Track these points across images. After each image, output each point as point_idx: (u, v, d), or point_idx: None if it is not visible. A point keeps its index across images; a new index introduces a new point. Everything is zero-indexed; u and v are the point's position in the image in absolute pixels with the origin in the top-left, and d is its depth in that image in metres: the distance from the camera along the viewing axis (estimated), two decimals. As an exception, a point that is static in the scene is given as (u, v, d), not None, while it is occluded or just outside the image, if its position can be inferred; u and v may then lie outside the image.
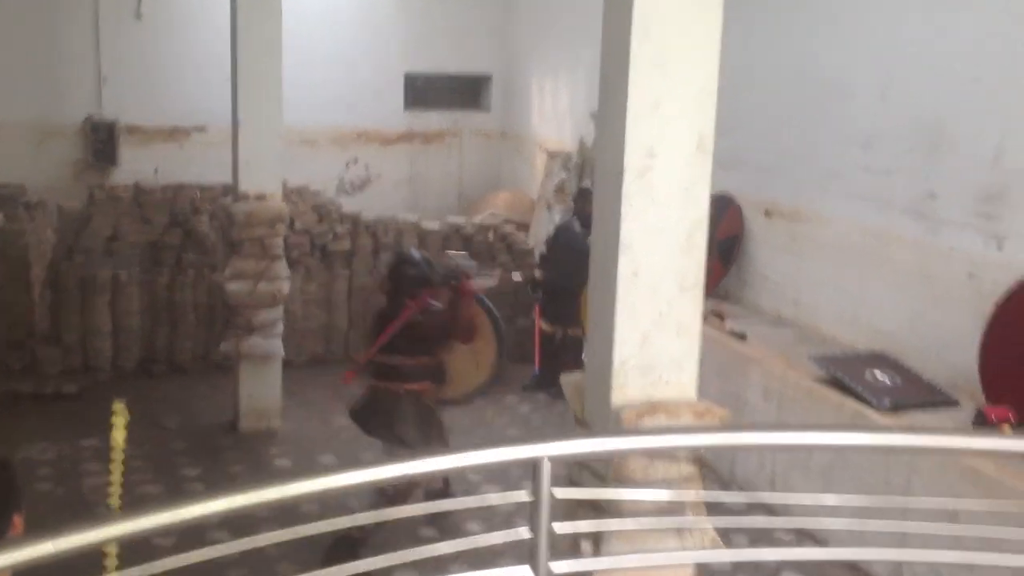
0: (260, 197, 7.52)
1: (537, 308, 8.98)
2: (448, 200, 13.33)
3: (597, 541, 3.35)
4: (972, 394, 5.77)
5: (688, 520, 3.36)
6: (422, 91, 13.37)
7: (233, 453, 7.41)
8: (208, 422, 8.01)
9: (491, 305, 8.71)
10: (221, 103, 12.19)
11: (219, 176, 10.24)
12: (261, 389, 7.73)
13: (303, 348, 9.42)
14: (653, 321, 3.45)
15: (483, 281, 8.31)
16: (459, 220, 10.19)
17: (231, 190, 8.94)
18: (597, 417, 3.53)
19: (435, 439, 6.03)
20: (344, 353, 9.65)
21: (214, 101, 12.22)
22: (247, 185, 7.53)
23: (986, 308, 5.60)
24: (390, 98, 13.08)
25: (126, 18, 12.06)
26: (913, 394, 5.76)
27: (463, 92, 13.69)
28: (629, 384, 3.46)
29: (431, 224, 10.01)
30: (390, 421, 6.01)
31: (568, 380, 3.78)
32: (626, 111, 3.33)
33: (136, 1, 12.05)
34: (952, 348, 5.98)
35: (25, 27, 11.55)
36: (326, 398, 8.64)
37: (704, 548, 3.39)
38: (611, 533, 3.32)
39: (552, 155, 11.24)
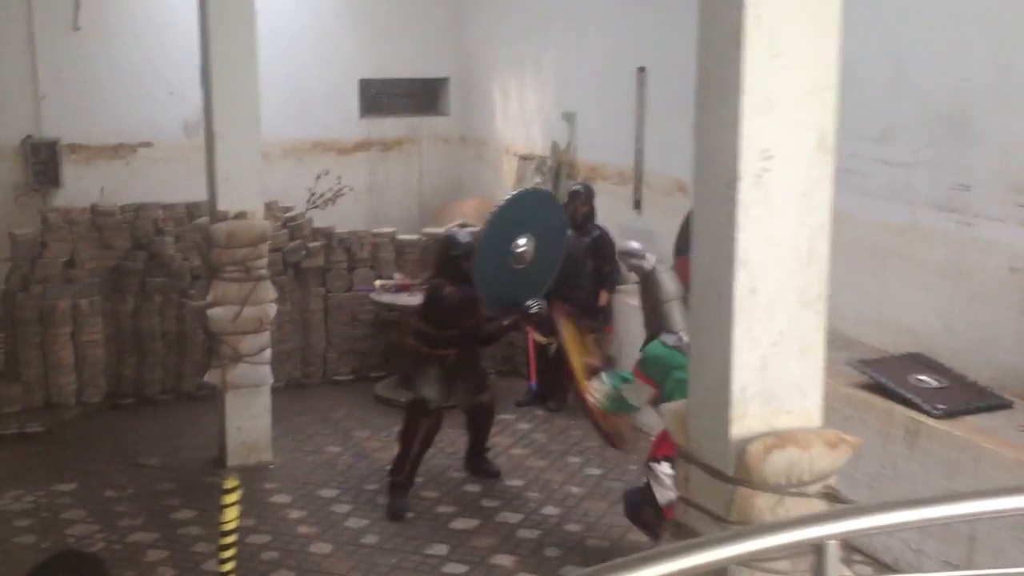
0: (241, 215, 7.03)
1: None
2: (409, 210, 12.85)
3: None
4: (1021, 394, 5.54)
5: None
6: (377, 97, 12.90)
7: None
8: (191, 458, 7.49)
9: None
10: (167, 117, 11.79)
11: (170, 194, 9.69)
12: (249, 421, 7.24)
13: (280, 372, 8.89)
14: (773, 342, 3.11)
15: None
16: (437, 230, 9.76)
17: (201, 209, 8.44)
18: (711, 452, 3.17)
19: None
20: (323, 376, 9.18)
21: (159, 115, 11.70)
22: (226, 203, 7.03)
23: (1032, 302, 5.37)
24: (345, 106, 12.57)
25: (63, 31, 11.35)
26: (964, 397, 5.50)
27: (419, 97, 13.24)
28: (749, 414, 3.11)
29: (408, 236, 9.58)
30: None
31: (669, 410, 3.42)
32: (739, 109, 2.97)
33: (73, 12, 11.38)
34: (995, 346, 5.74)
35: (-45, 44, 10.83)
36: (313, 424, 8.18)
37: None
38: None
39: (524, 159, 10.87)
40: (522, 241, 6.42)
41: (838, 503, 3.09)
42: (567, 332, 6.19)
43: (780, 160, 3.02)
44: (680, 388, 4.88)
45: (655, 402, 5.22)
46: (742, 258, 3.03)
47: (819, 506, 3.07)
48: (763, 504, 3.04)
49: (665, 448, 5.13)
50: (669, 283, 6.25)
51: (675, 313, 5.97)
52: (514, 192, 7.14)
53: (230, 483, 4.12)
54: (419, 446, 6.64)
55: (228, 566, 4.18)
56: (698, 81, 3.15)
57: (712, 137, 3.11)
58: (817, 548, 1.73)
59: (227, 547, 4.18)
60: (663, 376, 5.22)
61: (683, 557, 1.59)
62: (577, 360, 6.04)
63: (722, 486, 3.12)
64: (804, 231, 3.09)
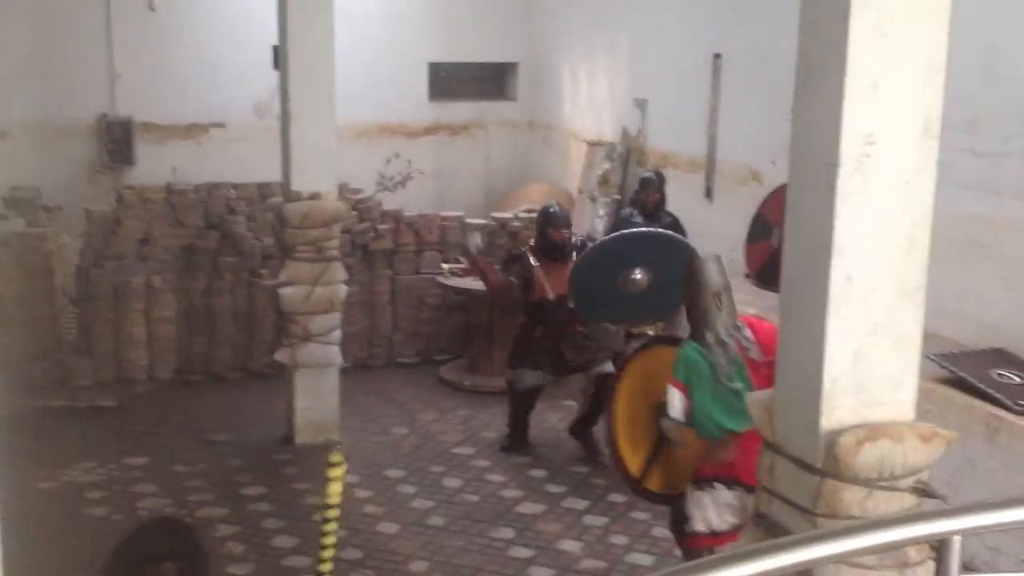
0: (314, 196, 7.05)
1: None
2: (476, 195, 12.84)
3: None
4: (1109, 393, 5.38)
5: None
6: (446, 81, 12.90)
7: (294, 469, 6.95)
8: (260, 435, 7.55)
9: None
10: (238, 98, 11.89)
11: (240, 174, 9.78)
12: (318, 400, 7.28)
13: (346, 353, 8.91)
14: (868, 333, 3.02)
15: None
16: (505, 215, 9.73)
17: (272, 189, 8.50)
18: (800, 444, 3.09)
19: None
20: (388, 358, 9.20)
21: (232, 96, 11.82)
22: (300, 184, 7.06)
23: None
24: (414, 89, 12.58)
25: (139, 10, 11.51)
26: (1048, 395, 5.35)
27: (487, 81, 13.23)
28: (840, 406, 3.02)
29: (476, 220, 9.56)
30: None
31: (755, 400, 3.35)
32: (842, 92, 2.87)
33: (149, -8, 11.51)
34: (1082, 344, 5.58)
35: (33, 23, 11.00)
36: (379, 406, 8.21)
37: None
38: (825, 573, 2.90)
39: (593, 145, 10.79)
40: (638, 272, 6.39)
41: (929, 498, 3.01)
42: (625, 390, 5.13)
43: (883, 145, 2.92)
44: (706, 401, 4.47)
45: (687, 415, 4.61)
46: (839, 246, 2.94)
47: (910, 501, 2.99)
48: (851, 498, 2.96)
49: (714, 466, 4.61)
50: (712, 275, 4.89)
51: (715, 308, 4.77)
52: (656, 232, 7.09)
53: (336, 458, 4.10)
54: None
55: (329, 540, 4.17)
56: (799, 63, 3.06)
57: (812, 121, 3.02)
58: (941, 543, 1.67)
59: (328, 521, 4.17)
60: (689, 381, 4.61)
61: (803, 549, 1.54)
62: (623, 427, 5.07)
63: (809, 478, 3.04)
64: (905, 220, 2.99)
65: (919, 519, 1.77)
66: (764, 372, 4.46)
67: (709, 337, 4.66)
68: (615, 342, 6.97)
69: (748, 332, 4.75)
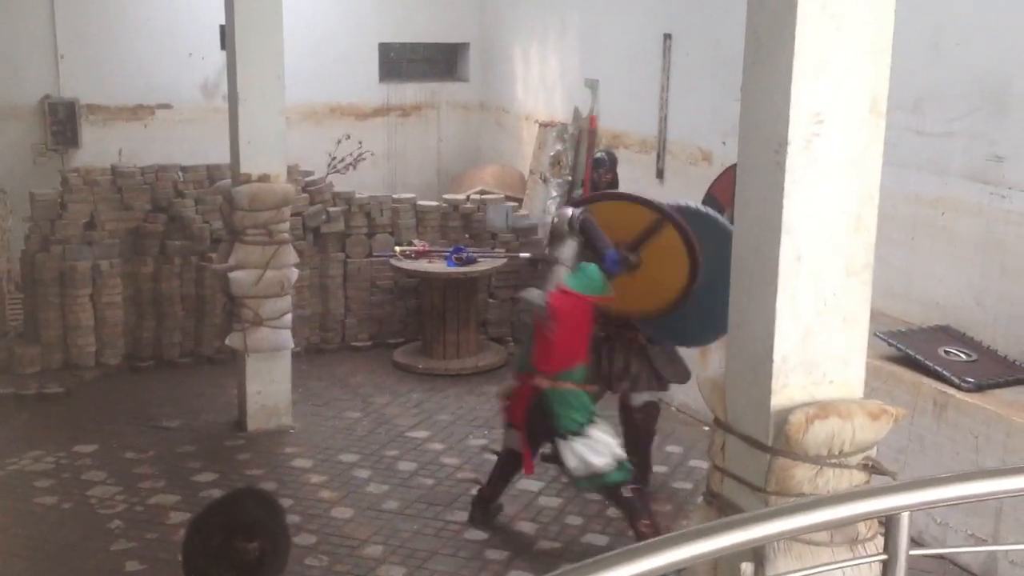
0: (264, 178, 6.97)
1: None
2: (428, 176, 12.77)
3: (759, 560, 2.95)
4: (1053, 368, 5.48)
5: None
6: (396, 62, 12.79)
7: (246, 455, 6.89)
8: (211, 421, 7.48)
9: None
10: (185, 78, 11.71)
11: (188, 156, 9.65)
12: (270, 385, 7.22)
13: (298, 337, 8.85)
14: (817, 311, 3.04)
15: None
16: (457, 197, 9.70)
17: (221, 171, 8.40)
18: (750, 423, 3.11)
19: None
20: (341, 342, 9.15)
21: (178, 76, 11.62)
22: (249, 166, 6.97)
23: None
24: (364, 70, 12.46)
25: (82, -10, 11.29)
26: (993, 371, 5.44)
27: (439, 62, 13.13)
28: (789, 384, 3.05)
29: (428, 202, 9.51)
30: None
31: (706, 379, 3.36)
32: (791, 71, 2.88)
33: (93, -29, 11.29)
34: (1026, 320, 5.67)
35: (-27, 2, 10.75)
36: (332, 390, 8.16)
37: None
38: (776, 549, 2.94)
39: (545, 126, 10.77)
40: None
41: (878, 475, 3.05)
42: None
43: (831, 124, 2.94)
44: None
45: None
46: (788, 225, 2.96)
47: (860, 477, 3.03)
48: (802, 475, 2.99)
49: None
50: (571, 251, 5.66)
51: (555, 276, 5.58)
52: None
53: None
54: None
55: None
56: (748, 43, 3.06)
57: (761, 101, 3.02)
58: (890, 519, 1.69)
59: None
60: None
61: (755, 527, 1.55)
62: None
63: (761, 456, 3.07)
64: (853, 198, 3.02)
65: (868, 496, 1.79)
66: None
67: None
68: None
69: None
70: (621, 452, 5.47)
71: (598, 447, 5.37)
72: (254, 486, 5.62)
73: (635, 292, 5.82)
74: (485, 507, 5.97)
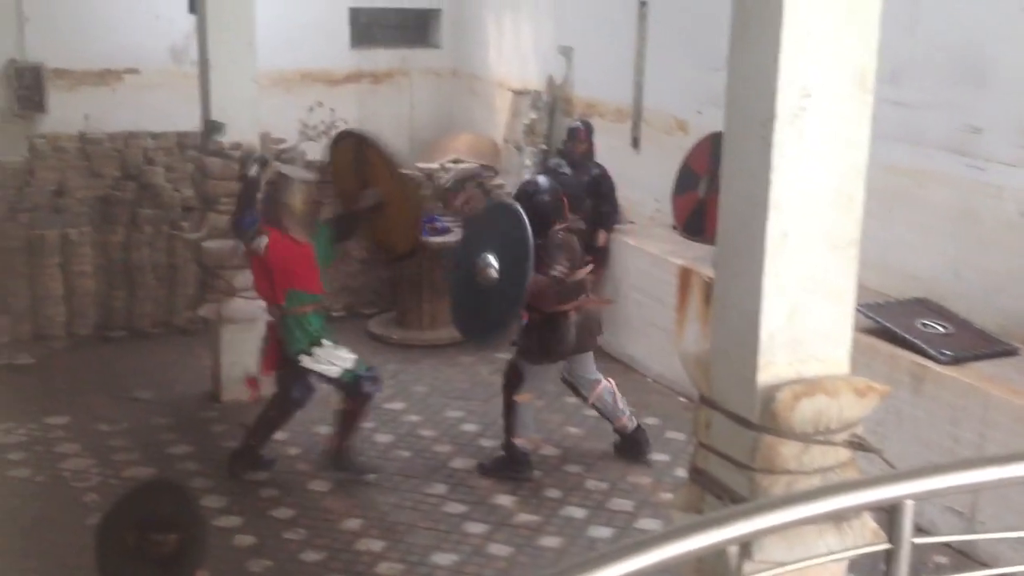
0: (236, 147, 6.87)
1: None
2: (400, 144, 12.55)
3: (746, 543, 2.95)
4: (1026, 339, 5.52)
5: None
6: (368, 27, 12.63)
7: (221, 427, 6.84)
8: (185, 392, 7.40)
9: None
10: (153, 42, 11.51)
11: (157, 122, 9.48)
12: (244, 357, 7.13)
13: (271, 307, 8.79)
14: (803, 288, 3.03)
15: None
16: (431, 165, 9.62)
17: (192, 138, 8.28)
18: (736, 400, 3.10)
19: None
20: (315, 310, 9.06)
21: (146, 40, 11.41)
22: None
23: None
24: (335, 35, 12.29)
25: (46, -49, 11.04)
26: (970, 343, 5.47)
27: (410, 28, 12.98)
28: (776, 361, 3.03)
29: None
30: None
31: (689, 354, 3.34)
32: (779, 45, 2.84)
33: (57, -69, 11.03)
34: (1003, 292, 5.70)
35: (-66, -36, 10.49)
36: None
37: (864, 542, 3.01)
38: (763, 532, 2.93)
39: (519, 94, 10.68)
40: (489, 259, 5.88)
41: (865, 451, 3.04)
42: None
43: (818, 99, 2.91)
44: None
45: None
46: (775, 201, 2.93)
47: (845, 454, 3.02)
48: (788, 452, 2.98)
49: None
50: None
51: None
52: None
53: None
54: None
55: None
56: (735, 16, 3.02)
57: (747, 75, 2.99)
58: (894, 508, 1.67)
59: None
60: None
61: (756, 518, 1.53)
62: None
63: (746, 433, 3.05)
64: (840, 174, 3.02)
65: (871, 484, 1.77)
66: None
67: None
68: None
69: None
70: (350, 363, 6.00)
71: (327, 358, 5.99)
72: (162, 477, 5.67)
73: (403, 224, 6.43)
74: (253, 455, 6.22)
